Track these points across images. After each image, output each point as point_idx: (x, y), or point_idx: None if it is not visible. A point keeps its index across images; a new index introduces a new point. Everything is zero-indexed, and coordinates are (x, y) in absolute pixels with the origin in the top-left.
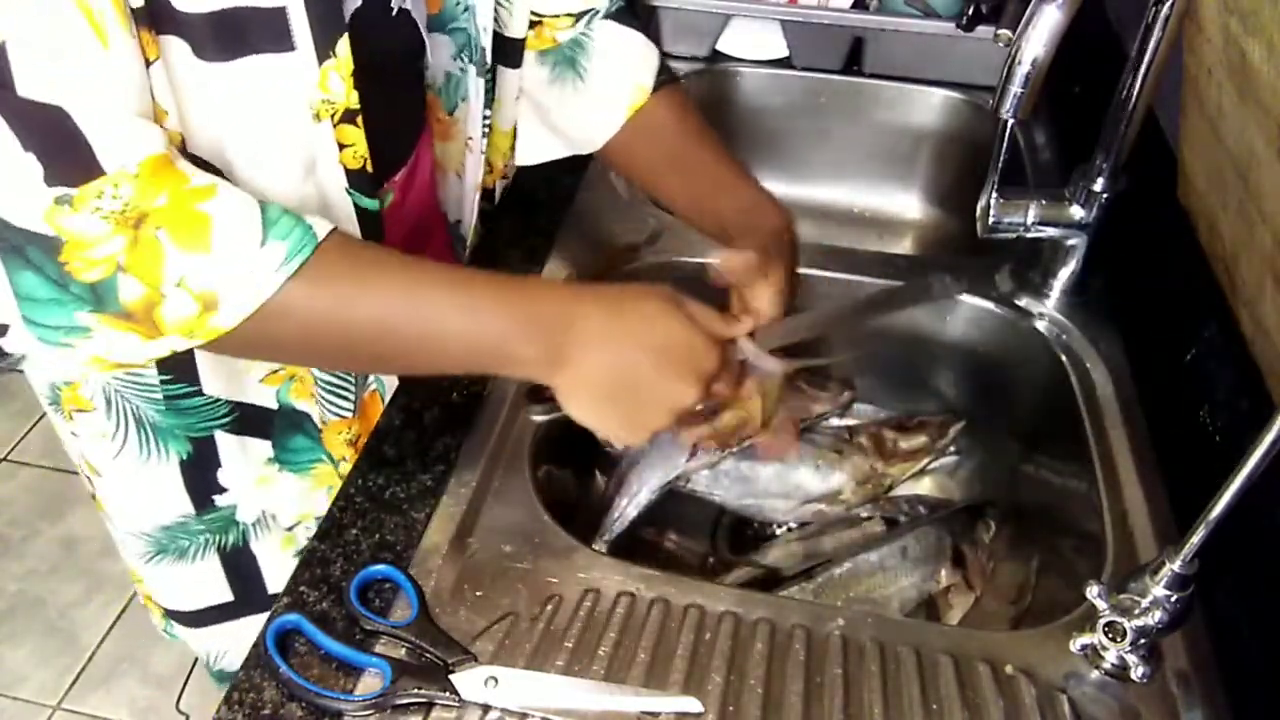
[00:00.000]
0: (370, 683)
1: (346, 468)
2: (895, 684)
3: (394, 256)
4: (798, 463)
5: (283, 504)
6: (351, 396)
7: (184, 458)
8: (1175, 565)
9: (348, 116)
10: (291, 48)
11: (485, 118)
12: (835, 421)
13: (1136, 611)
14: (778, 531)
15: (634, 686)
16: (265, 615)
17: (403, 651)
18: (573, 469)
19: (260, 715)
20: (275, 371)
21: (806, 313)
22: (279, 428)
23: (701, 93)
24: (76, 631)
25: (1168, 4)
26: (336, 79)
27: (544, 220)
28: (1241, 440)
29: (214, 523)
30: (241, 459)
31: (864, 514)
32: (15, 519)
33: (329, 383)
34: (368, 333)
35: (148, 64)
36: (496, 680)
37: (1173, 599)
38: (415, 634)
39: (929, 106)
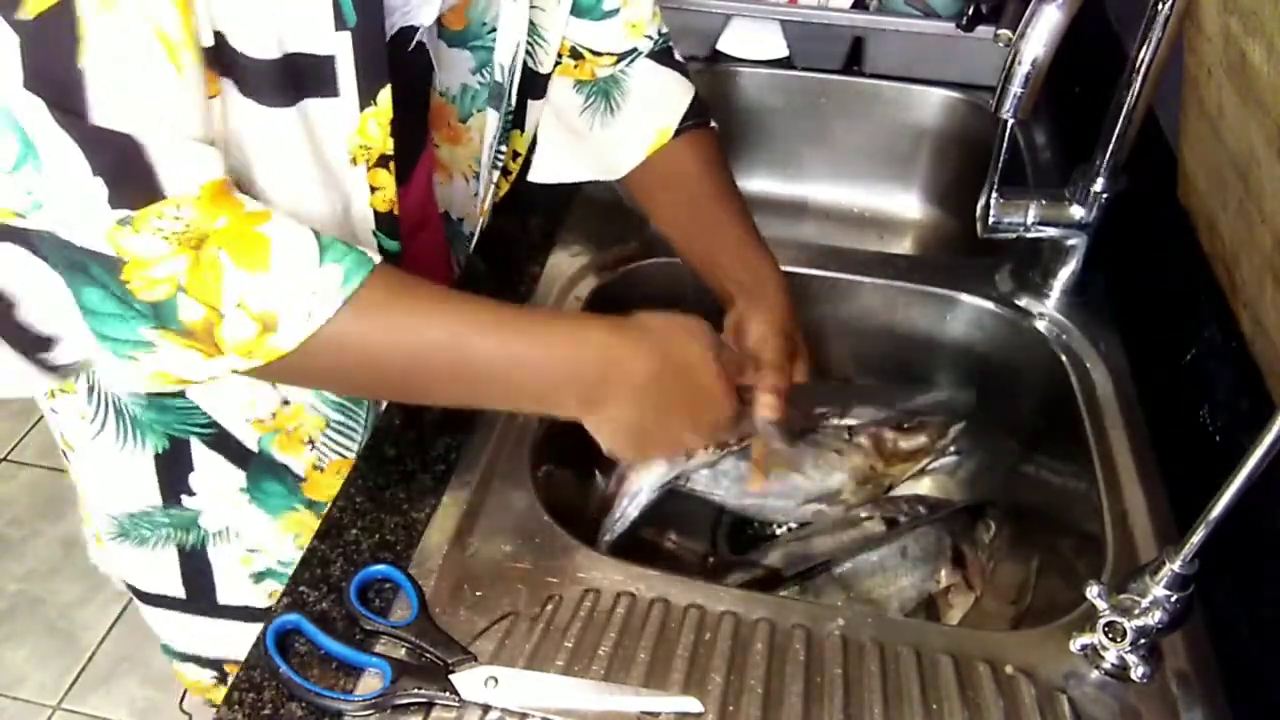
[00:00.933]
0: (370, 683)
1: (291, 525)
2: (895, 684)
3: (443, 292)
4: (797, 462)
5: (248, 530)
6: (358, 438)
7: (159, 451)
8: (1175, 565)
9: (382, 161)
10: (336, 94)
11: (499, 154)
12: (835, 421)
13: (1136, 611)
14: (778, 531)
15: (634, 686)
16: (212, 620)
17: (403, 651)
18: (573, 469)
19: (260, 715)
20: (262, 421)
21: (831, 386)
22: (255, 467)
23: (701, 93)
24: (76, 631)
25: (1168, 4)
26: (375, 125)
27: (544, 220)
28: (1241, 440)
29: (178, 519)
30: (214, 473)
31: (864, 514)
32: (15, 519)
33: (340, 424)
34: (415, 365)
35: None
36: (496, 680)
37: (1173, 599)
38: (415, 634)
39: (929, 106)
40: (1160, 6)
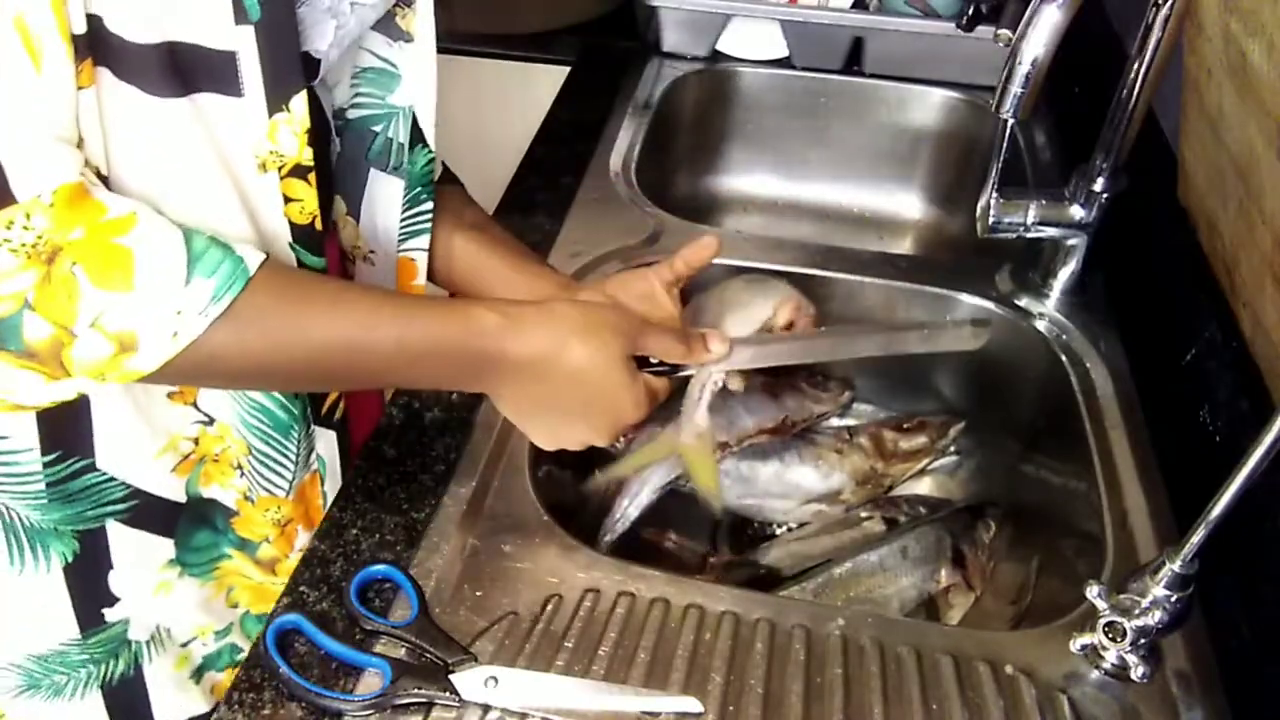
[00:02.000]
0: (370, 682)
1: (269, 550)
2: (895, 684)
3: (330, 289)
4: (798, 463)
5: (180, 615)
6: (288, 476)
7: (68, 560)
8: (1175, 565)
9: (298, 172)
10: (239, 93)
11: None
12: (835, 421)
13: (1136, 611)
14: (778, 531)
15: (634, 686)
16: None
17: (403, 651)
18: (573, 469)
19: (260, 715)
20: (186, 458)
21: (784, 338)
22: (183, 522)
23: (701, 93)
24: None
25: (1168, 4)
26: (288, 133)
27: (544, 220)
28: (1241, 440)
29: (100, 647)
30: (137, 559)
31: (864, 514)
32: None
33: (265, 455)
34: (305, 368)
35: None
36: (497, 680)
37: (1173, 599)
38: (415, 634)
39: (929, 106)
40: (1160, 6)
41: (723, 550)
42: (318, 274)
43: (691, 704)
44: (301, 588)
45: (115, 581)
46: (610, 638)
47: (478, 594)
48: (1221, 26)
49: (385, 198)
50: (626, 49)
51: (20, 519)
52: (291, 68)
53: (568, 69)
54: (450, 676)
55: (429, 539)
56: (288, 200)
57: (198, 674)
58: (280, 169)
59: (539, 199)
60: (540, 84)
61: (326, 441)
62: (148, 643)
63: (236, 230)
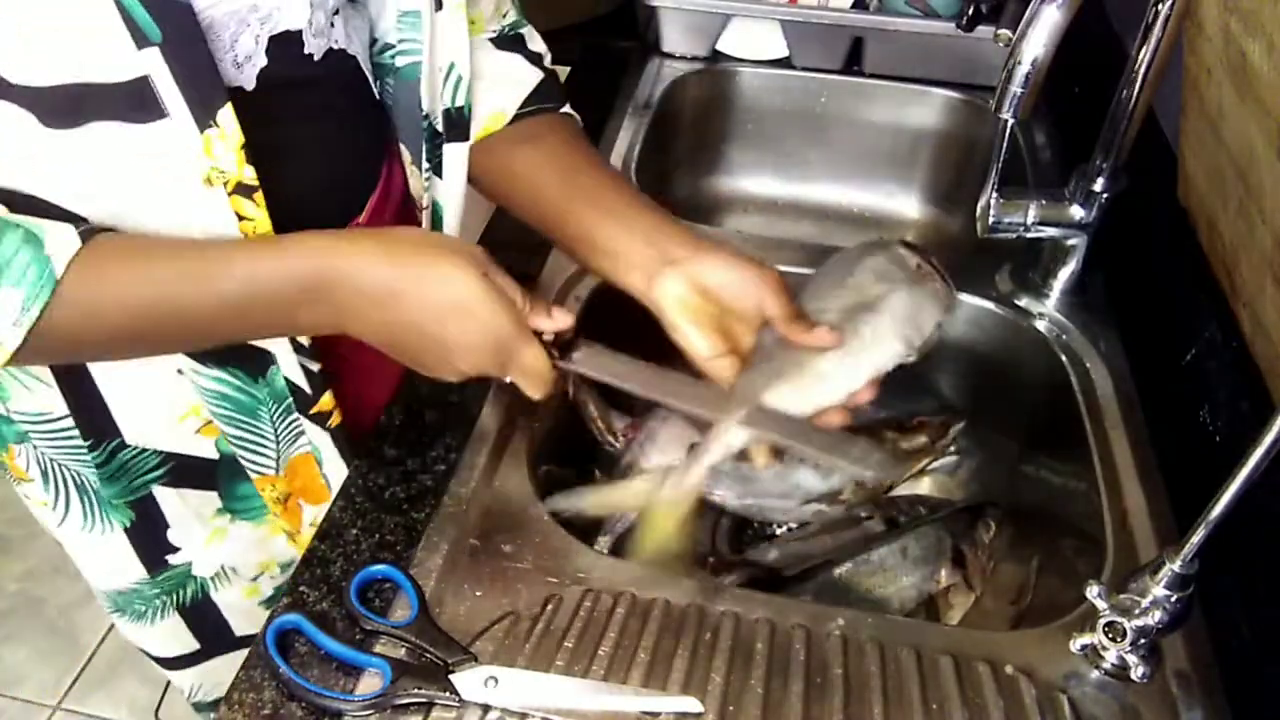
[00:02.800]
0: (370, 682)
1: (279, 524)
2: (895, 684)
3: (149, 252)
4: (798, 463)
5: (241, 556)
6: (272, 455)
7: (128, 525)
8: (1175, 565)
9: (243, 190)
10: (164, 115)
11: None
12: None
13: (1136, 611)
14: (778, 531)
15: (634, 686)
16: (236, 654)
17: (403, 651)
18: (573, 469)
19: (260, 715)
20: (209, 422)
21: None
22: (223, 476)
23: (701, 93)
24: (76, 631)
25: (1168, 4)
26: (223, 149)
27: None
28: (1241, 440)
29: (169, 582)
30: (188, 516)
31: (864, 514)
32: (16, 519)
33: (240, 438)
34: (124, 339)
35: None
36: (497, 680)
37: (1173, 599)
38: (415, 634)
39: (929, 106)
40: (1160, 6)
41: (723, 550)
42: (142, 239)
43: (691, 704)
44: (302, 588)
45: (173, 536)
46: (610, 638)
47: (478, 594)
48: (1221, 26)
49: (450, 160)
50: (626, 49)
51: (90, 484)
52: (209, 82)
53: (568, 69)
54: (450, 676)
55: (429, 539)
56: (241, 218)
57: (269, 602)
58: (226, 184)
59: None
60: None
61: (317, 433)
62: (214, 578)
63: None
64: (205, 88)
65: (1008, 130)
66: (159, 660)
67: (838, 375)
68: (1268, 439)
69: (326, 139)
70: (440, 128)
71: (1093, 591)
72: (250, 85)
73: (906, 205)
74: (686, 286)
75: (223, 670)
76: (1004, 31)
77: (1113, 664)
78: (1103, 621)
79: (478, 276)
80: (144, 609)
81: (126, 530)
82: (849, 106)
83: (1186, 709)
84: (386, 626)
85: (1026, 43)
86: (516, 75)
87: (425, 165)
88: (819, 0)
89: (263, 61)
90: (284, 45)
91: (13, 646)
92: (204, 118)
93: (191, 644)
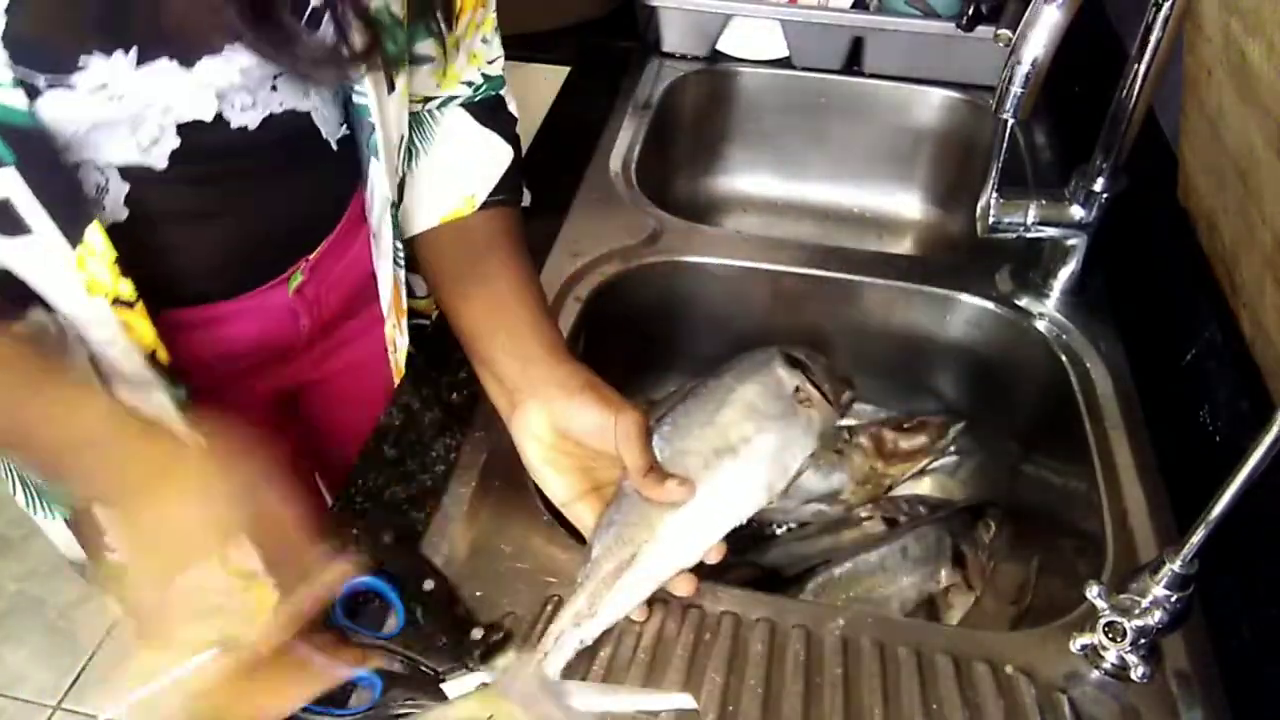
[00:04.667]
0: (362, 696)
1: None
2: (895, 684)
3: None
4: None
5: None
6: None
7: (67, 519)
8: (1175, 565)
9: (121, 303)
10: (28, 230)
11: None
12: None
13: (1136, 611)
14: (778, 531)
15: (631, 687)
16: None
17: (395, 663)
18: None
19: None
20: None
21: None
22: None
23: (701, 93)
24: (76, 631)
25: (1168, 4)
26: (96, 264)
27: (544, 220)
28: (1241, 440)
29: (116, 570)
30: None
31: (864, 514)
32: (15, 519)
33: None
34: None
35: None
36: (488, 688)
37: (1173, 599)
38: (402, 645)
39: (929, 106)
40: (1160, 6)
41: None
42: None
43: (684, 700)
44: None
45: (111, 540)
46: (610, 638)
47: (478, 594)
48: (1221, 26)
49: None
50: (626, 49)
51: (30, 479)
52: (73, 201)
53: (568, 69)
54: (442, 685)
55: (429, 539)
56: (128, 327)
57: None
58: (106, 295)
59: (539, 199)
60: (540, 84)
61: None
62: None
63: (100, 352)
64: (68, 207)
65: (1008, 130)
66: None
67: (691, 535)
68: (1268, 439)
69: (272, 196)
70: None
71: (1093, 591)
72: (161, 165)
73: (906, 205)
74: (546, 426)
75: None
76: (1004, 31)
77: (1113, 664)
78: (1103, 621)
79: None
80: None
81: (67, 522)
82: (849, 106)
83: (1186, 709)
84: (371, 639)
85: (1026, 43)
86: (492, 156)
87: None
88: (819, 0)
89: (174, 143)
90: (201, 129)
91: (13, 646)
92: (73, 235)
93: None
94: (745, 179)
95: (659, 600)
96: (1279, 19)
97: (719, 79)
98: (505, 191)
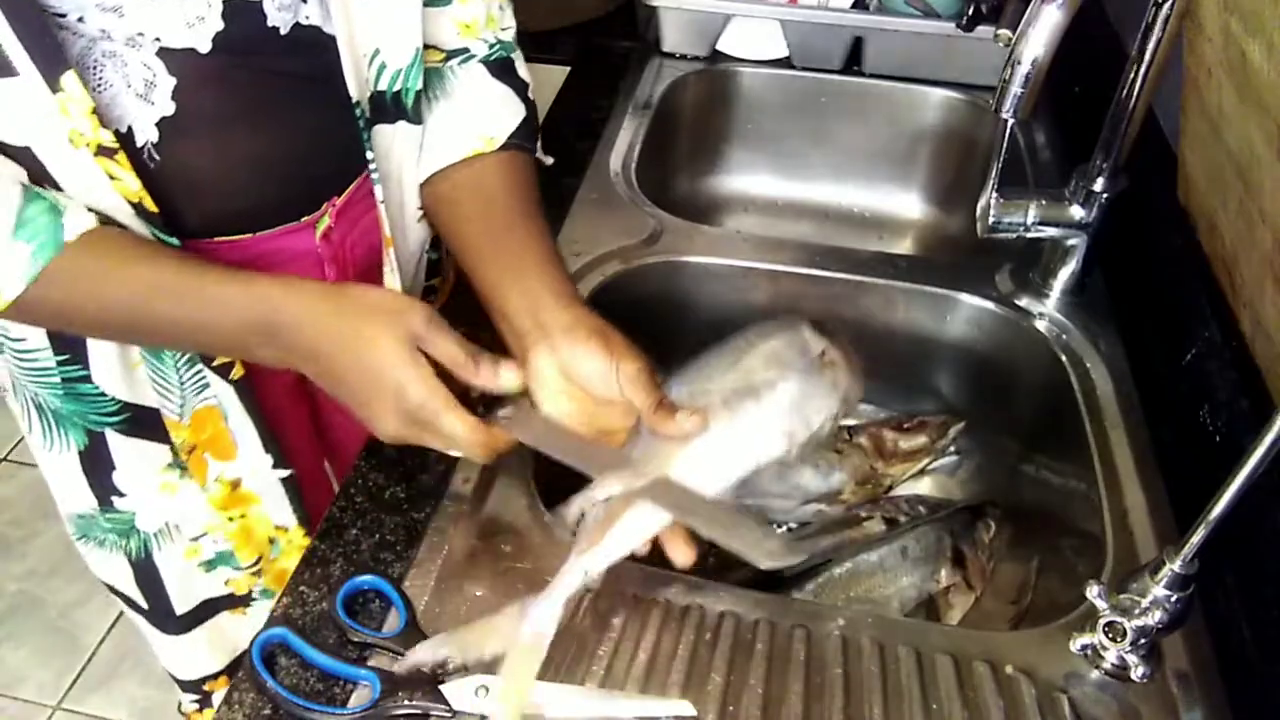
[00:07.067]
0: (361, 695)
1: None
2: (895, 684)
3: (134, 254)
4: (798, 463)
5: (188, 513)
6: (176, 399)
7: (81, 448)
8: (1175, 565)
9: (104, 152)
10: (14, 73)
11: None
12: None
13: (1136, 611)
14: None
15: (630, 691)
16: (175, 638)
17: (395, 663)
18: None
19: (260, 715)
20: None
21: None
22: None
23: (701, 93)
24: (76, 631)
25: (1168, 4)
26: (77, 112)
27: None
28: (1241, 440)
29: (117, 524)
30: (138, 463)
31: (864, 514)
32: (15, 519)
33: (153, 377)
34: (105, 327)
35: None
36: (488, 689)
37: (1173, 599)
38: (403, 644)
39: (929, 106)
40: (1160, 6)
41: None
42: (138, 241)
43: (684, 708)
44: (301, 587)
45: (119, 479)
46: (609, 638)
47: (477, 594)
48: (1221, 26)
49: (379, 145)
50: (626, 49)
51: (47, 405)
52: (47, 46)
53: (568, 69)
54: (440, 687)
55: (429, 539)
56: (111, 178)
57: (209, 565)
58: (89, 146)
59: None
60: (540, 84)
61: (220, 386)
62: (156, 534)
63: (89, 200)
64: (44, 51)
65: (1008, 130)
66: (121, 597)
67: (705, 471)
68: (1268, 439)
69: (298, 116)
70: (369, 112)
71: (1093, 591)
72: (205, 47)
73: (906, 205)
74: (554, 371)
75: (168, 650)
76: (1004, 31)
77: (1113, 664)
78: (1103, 621)
79: (398, 344)
80: (103, 538)
81: (80, 454)
82: (849, 106)
83: (1186, 709)
84: (372, 638)
85: (1026, 43)
86: (506, 106)
87: (369, 154)
88: (819, 0)
89: (218, 25)
90: (243, 13)
91: (13, 646)
92: (51, 80)
93: (140, 599)
94: (745, 179)
95: (659, 601)
96: (1279, 19)
97: (719, 79)
98: (521, 139)
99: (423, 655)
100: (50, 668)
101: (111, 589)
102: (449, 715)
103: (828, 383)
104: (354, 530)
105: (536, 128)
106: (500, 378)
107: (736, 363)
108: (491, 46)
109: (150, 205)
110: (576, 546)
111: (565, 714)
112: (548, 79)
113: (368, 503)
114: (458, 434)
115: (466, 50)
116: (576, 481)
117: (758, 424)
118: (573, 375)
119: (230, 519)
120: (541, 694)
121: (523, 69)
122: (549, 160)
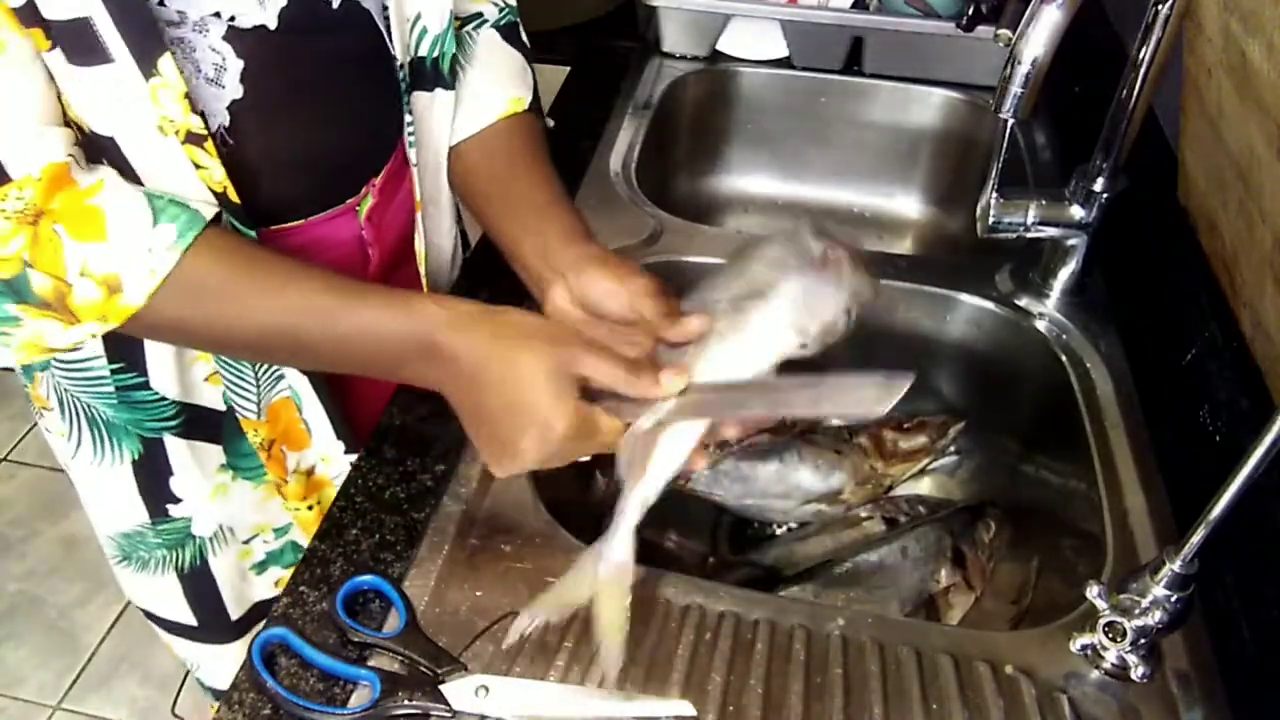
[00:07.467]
0: (361, 695)
1: (265, 474)
2: (895, 684)
3: (274, 267)
4: (798, 463)
5: (239, 515)
6: (253, 396)
7: (135, 458)
8: (1175, 565)
9: (193, 139)
10: (110, 59)
11: (410, 135)
12: (835, 421)
13: (1136, 611)
14: (778, 531)
15: (630, 691)
16: (226, 647)
17: (396, 663)
18: (573, 469)
19: (260, 715)
20: (216, 372)
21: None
22: (228, 431)
23: (701, 93)
24: (76, 631)
25: (1168, 4)
26: (168, 98)
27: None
28: (1241, 440)
29: (170, 535)
30: (194, 467)
31: (864, 514)
32: (15, 519)
33: (228, 378)
34: (238, 347)
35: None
36: (488, 689)
37: (1173, 599)
38: (403, 644)
39: (929, 106)
40: (1160, 6)
41: (723, 550)
42: (260, 249)
43: (684, 708)
44: (301, 587)
45: (175, 485)
46: None
47: (477, 594)
48: (1221, 26)
49: (419, 111)
50: (626, 49)
51: (99, 414)
52: (145, 29)
53: (568, 69)
54: (440, 687)
55: (429, 539)
56: (197, 167)
57: (260, 567)
58: (178, 133)
59: None
60: (540, 84)
61: (295, 376)
62: (211, 538)
63: (178, 191)
64: (141, 35)
65: (1008, 130)
66: (160, 622)
67: (722, 366)
68: (1268, 439)
69: (349, 94)
70: (409, 78)
71: (1093, 591)
72: (273, 24)
73: (906, 205)
74: (570, 303)
75: (218, 660)
76: (1004, 31)
77: (1113, 664)
78: (1103, 621)
79: (548, 375)
80: (147, 557)
81: (134, 463)
82: (849, 106)
83: (1186, 709)
84: (372, 638)
85: (1026, 43)
86: (523, 70)
87: (409, 119)
88: (819, 0)
89: (283, 1)
90: None
91: (13, 646)
92: (146, 66)
93: (189, 616)
94: (745, 179)
95: (659, 601)
96: (1279, 19)
97: (719, 79)
98: (534, 100)
99: (523, 626)
100: (50, 668)
101: (150, 615)
102: (449, 715)
103: (832, 276)
104: (354, 530)
105: (537, 94)
106: (663, 386)
107: (742, 272)
108: (501, 11)
109: (233, 195)
110: (626, 485)
111: (565, 714)
112: (548, 79)
113: (368, 503)
114: (607, 446)
115: (480, 15)
116: (576, 481)
117: (766, 321)
118: (588, 304)
119: (310, 506)
120: (542, 694)
121: (523, 34)
122: (550, 123)
